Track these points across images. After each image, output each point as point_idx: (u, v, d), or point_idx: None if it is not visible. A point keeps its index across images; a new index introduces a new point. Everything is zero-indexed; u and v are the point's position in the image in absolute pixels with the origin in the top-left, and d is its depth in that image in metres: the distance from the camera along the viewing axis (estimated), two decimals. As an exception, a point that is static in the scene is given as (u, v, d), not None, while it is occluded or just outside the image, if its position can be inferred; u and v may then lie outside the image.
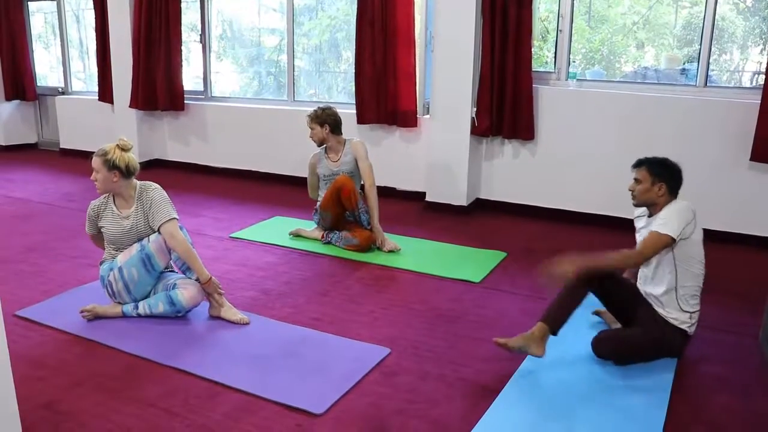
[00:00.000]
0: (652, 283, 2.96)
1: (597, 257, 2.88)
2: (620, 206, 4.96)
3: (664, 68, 5.70)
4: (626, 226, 4.91)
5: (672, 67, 5.67)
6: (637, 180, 2.99)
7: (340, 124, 4.54)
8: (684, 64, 5.66)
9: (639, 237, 3.06)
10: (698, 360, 2.95)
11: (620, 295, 2.99)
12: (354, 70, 5.72)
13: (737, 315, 3.46)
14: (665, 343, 2.88)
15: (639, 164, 3.03)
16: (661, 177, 2.95)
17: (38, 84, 8.42)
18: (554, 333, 2.83)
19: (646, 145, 4.80)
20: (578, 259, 2.84)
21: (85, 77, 8.59)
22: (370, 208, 4.42)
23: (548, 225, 5.11)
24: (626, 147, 4.90)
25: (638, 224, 3.16)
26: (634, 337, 2.89)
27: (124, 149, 3.22)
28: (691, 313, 2.90)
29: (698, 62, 4.78)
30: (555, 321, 2.84)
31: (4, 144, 8.38)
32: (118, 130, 7.12)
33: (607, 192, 5.01)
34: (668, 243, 2.80)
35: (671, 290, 2.88)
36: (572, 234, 4.90)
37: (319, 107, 4.55)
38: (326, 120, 4.48)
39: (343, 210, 4.42)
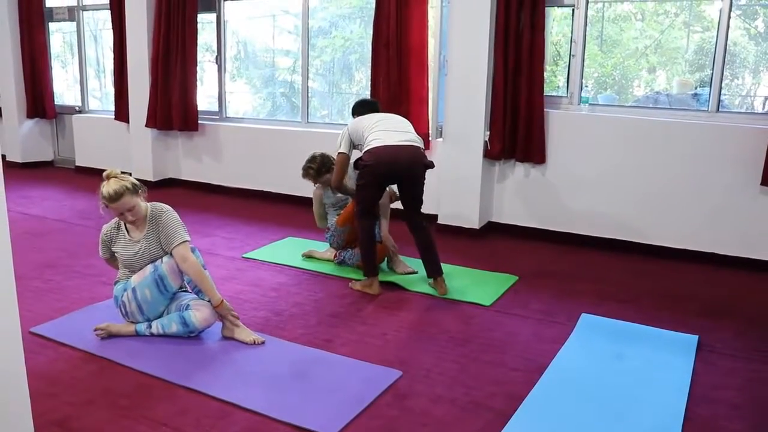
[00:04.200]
0: None
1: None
2: (632, 231, 4.98)
3: (676, 93, 5.72)
4: (638, 250, 4.92)
5: (684, 91, 5.69)
6: None
7: (328, 160, 4.54)
8: (696, 88, 5.67)
9: None
10: (711, 387, 2.93)
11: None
12: (369, 92, 5.77)
13: (750, 341, 3.44)
14: None
15: None
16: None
17: (56, 102, 8.54)
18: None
19: (658, 169, 4.84)
20: None
21: (101, 96, 8.70)
22: (381, 215, 4.43)
23: (560, 248, 5.11)
24: (638, 171, 4.92)
25: None
26: None
27: (108, 177, 3.20)
28: None
29: (710, 87, 4.80)
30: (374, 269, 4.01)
31: (21, 161, 8.49)
32: (133, 148, 7.22)
33: (618, 216, 5.01)
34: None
35: None
36: (584, 258, 4.89)
37: (308, 165, 4.56)
38: (322, 169, 4.52)
39: None
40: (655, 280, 4.43)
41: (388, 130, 3.98)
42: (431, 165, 4.03)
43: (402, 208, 4.15)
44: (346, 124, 4.57)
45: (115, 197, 3.12)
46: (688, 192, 4.77)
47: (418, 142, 4.04)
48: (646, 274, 4.55)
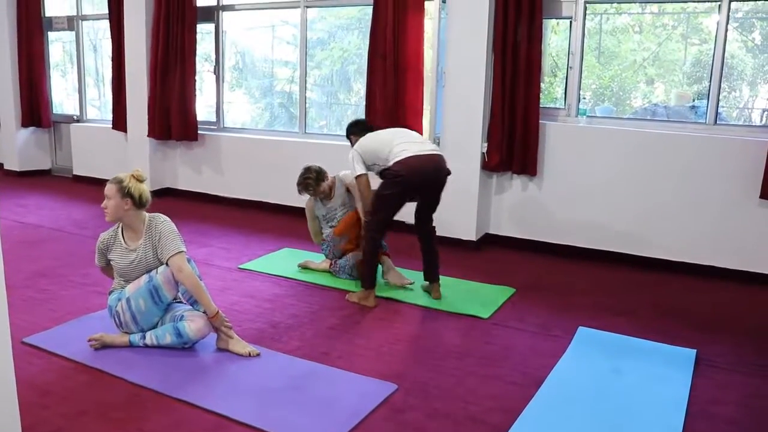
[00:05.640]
0: None
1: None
2: (630, 243, 4.97)
3: (674, 105, 5.73)
4: (636, 263, 4.91)
5: (682, 104, 5.70)
6: None
7: (322, 172, 4.56)
8: (694, 101, 5.68)
9: None
10: (710, 402, 2.91)
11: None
12: (365, 103, 5.77)
13: (749, 355, 3.42)
14: None
15: None
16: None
17: (55, 111, 8.57)
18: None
19: (655, 181, 4.83)
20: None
21: (100, 105, 8.70)
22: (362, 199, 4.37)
23: (557, 261, 5.09)
24: (636, 184, 4.91)
25: None
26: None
27: (139, 179, 3.25)
28: None
29: (708, 100, 4.80)
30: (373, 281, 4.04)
31: (18, 169, 8.47)
32: (130, 158, 7.21)
33: (616, 228, 5.00)
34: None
35: None
36: (581, 270, 4.88)
37: (306, 176, 4.55)
38: (319, 178, 4.52)
39: (359, 233, 4.46)
40: (652, 293, 4.41)
41: (411, 141, 4.03)
42: (450, 172, 4.10)
43: (415, 217, 4.20)
44: (344, 135, 4.58)
45: (110, 181, 3.22)
46: (686, 204, 4.76)
47: (440, 150, 4.11)
48: (644, 286, 4.53)
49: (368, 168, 4.11)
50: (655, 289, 4.50)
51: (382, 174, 4.02)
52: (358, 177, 4.12)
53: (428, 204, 4.14)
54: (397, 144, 3.97)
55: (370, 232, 4.06)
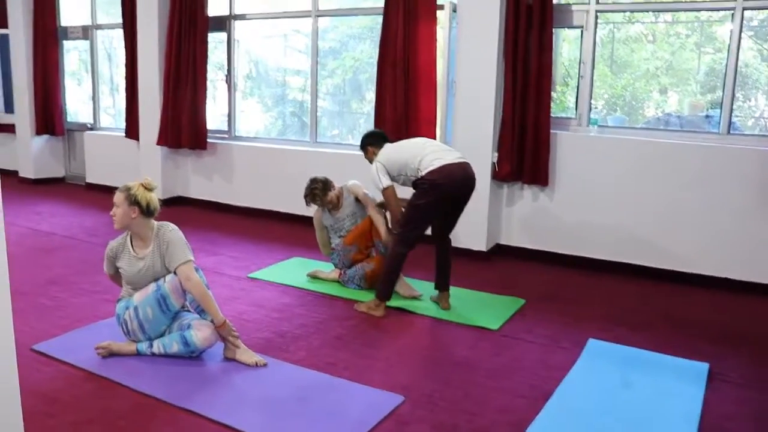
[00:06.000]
0: None
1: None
2: (642, 254, 4.92)
3: (688, 114, 5.67)
4: (648, 274, 4.85)
5: (695, 113, 5.64)
6: None
7: (329, 183, 4.55)
8: (707, 110, 5.62)
9: None
10: (723, 418, 2.86)
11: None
12: (374, 113, 5.76)
13: (763, 369, 3.36)
14: None
15: None
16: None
17: (70, 119, 8.66)
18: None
19: (668, 192, 4.79)
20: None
21: (114, 113, 8.77)
22: (375, 223, 4.44)
23: (568, 272, 5.05)
24: (647, 194, 4.87)
25: None
26: None
27: (147, 188, 3.26)
28: None
29: (721, 109, 4.75)
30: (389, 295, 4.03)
31: (33, 177, 8.55)
32: (143, 166, 7.24)
33: (627, 239, 4.95)
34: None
35: None
36: (592, 281, 4.83)
37: (313, 187, 4.55)
38: (326, 188, 4.52)
39: (369, 242, 4.47)
40: (664, 304, 4.36)
41: (441, 150, 4.01)
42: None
43: (436, 228, 4.16)
44: (355, 144, 4.55)
45: (118, 189, 3.25)
46: (698, 215, 4.71)
47: (466, 158, 4.07)
48: (656, 298, 4.48)
49: (393, 179, 4.08)
50: (668, 300, 4.44)
51: (414, 184, 3.99)
52: (385, 189, 4.06)
53: (453, 215, 4.10)
54: (427, 154, 3.94)
55: (399, 246, 4.00)
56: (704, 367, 3.29)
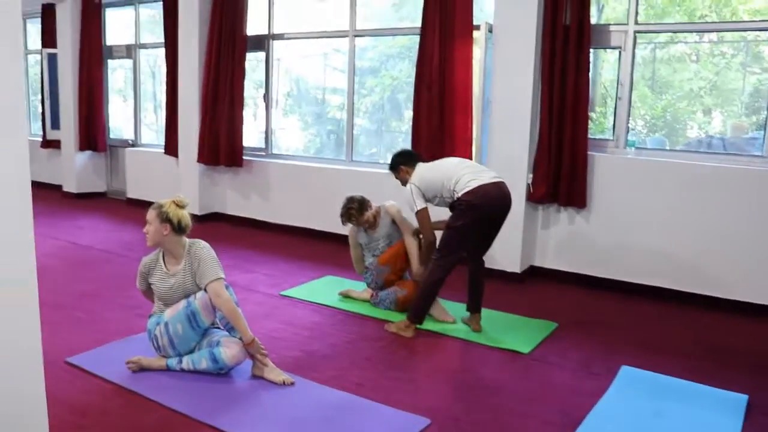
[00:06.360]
0: None
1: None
2: (679, 279, 4.80)
3: (730, 136, 5.54)
4: (686, 300, 4.73)
5: (738, 135, 5.51)
6: None
7: (365, 202, 4.53)
8: (751, 132, 5.49)
9: None
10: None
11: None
12: (411, 133, 5.76)
13: (804, 403, 3.23)
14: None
15: None
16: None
17: (114, 135, 8.92)
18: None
19: (707, 216, 4.67)
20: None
21: (157, 129, 8.96)
22: (408, 251, 4.42)
23: (603, 295, 4.95)
24: (685, 218, 4.76)
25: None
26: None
27: (179, 205, 3.31)
28: None
29: (765, 131, 4.63)
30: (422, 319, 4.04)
31: (75, 191, 8.77)
32: (181, 182, 7.37)
33: (664, 264, 4.84)
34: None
35: None
36: (628, 306, 4.73)
37: (349, 206, 4.53)
38: (362, 208, 4.50)
39: (404, 264, 4.46)
40: (703, 332, 4.23)
41: (478, 171, 3.98)
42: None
43: (471, 249, 4.10)
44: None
45: (151, 207, 3.31)
46: (739, 240, 4.58)
47: (502, 178, 4.03)
48: (694, 325, 4.36)
49: (428, 201, 4.06)
50: (707, 328, 4.32)
51: (451, 206, 3.97)
52: (418, 212, 4.04)
53: (489, 236, 4.06)
54: (463, 175, 3.90)
55: (438, 271, 3.94)
56: (743, 398, 3.17)
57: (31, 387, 2.08)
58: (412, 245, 4.42)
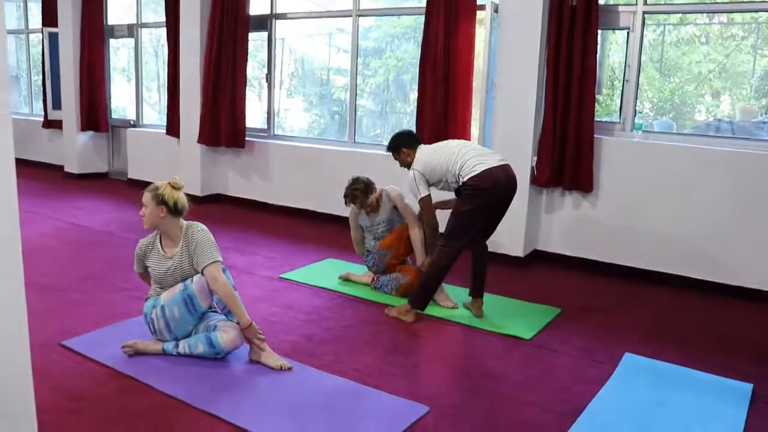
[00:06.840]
0: None
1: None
2: (685, 265, 4.73)
3: (739, 120, 5.44)
4: (692, 286, 4.66)
5: (747, 119, 5.41)
6: None
7: (371, 184, 4.46)
8: (760, 116, 5.39)
9: None
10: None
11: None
12: (416, 114, 5.68)
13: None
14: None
15: None
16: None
17: (118, 115, 8.85)
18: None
19: (715, 200, 4.59)
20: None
21: (160, 109, 8.90)
22: (413, 243, 4.34)
23: (608, 281, 4.89)
24: (693, 202, 4.68)
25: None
26: None
27: (175, 187, 3.25)
28: None
29: (774, 115, 4.54)
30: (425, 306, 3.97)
31: (77, 172, 8.73)
32: (183, 163, 7.31)
33: (671, 249, 4.77)
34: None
35: None
36: (633, 292, 4.66)
37: (354, 188, 4.44)
38: (367, 190, 4.43)
39: (406, 249, 4.39)
40: (708, 319, 4.17)
41: (482, 153, 3.88)
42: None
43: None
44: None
45: (147, 189, 3.27)
46: (747, 226, 4.50)
47: (507, 160, 3.93)
48: (700, 312, 4.30)
49: (431, 185, 3.98)
50: (712, 315, 4.26)
51: (457, 191, 3.89)
52: (422, 198, 3.96)
53: (495, 220, 3.98)
54: (468, 159, 3.81)
55: (444, 258, 3.86)
56: (748, 387, 3.11)
57: (18, 374, 2.03)
58: (416, 237, 4.33)
